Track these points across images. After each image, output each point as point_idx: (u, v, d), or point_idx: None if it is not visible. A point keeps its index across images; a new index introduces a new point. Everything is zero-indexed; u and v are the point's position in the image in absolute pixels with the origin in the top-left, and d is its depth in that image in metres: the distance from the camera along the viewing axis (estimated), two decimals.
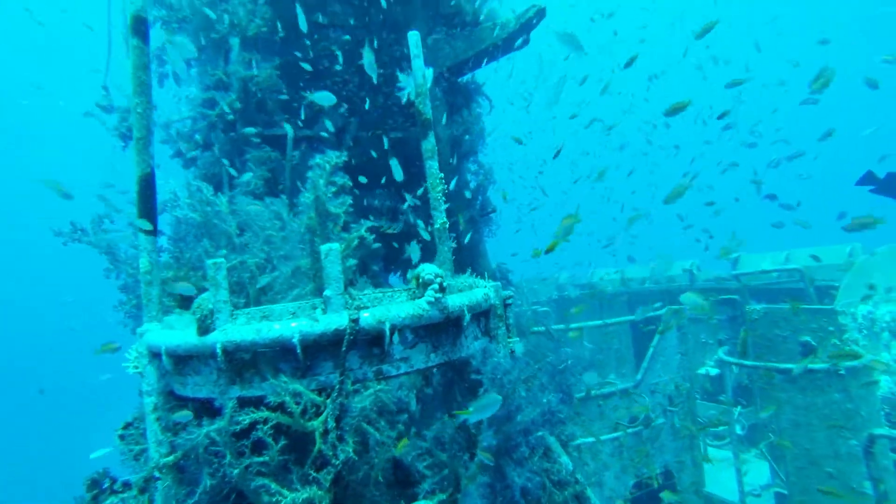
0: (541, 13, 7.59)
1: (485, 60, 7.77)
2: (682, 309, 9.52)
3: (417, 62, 4.83)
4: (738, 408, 10.54)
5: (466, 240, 7.32)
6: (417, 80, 4.79)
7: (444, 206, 4.65)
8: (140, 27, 3.79)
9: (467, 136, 7.35)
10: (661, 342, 9.58)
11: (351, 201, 4.21)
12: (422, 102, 4.74)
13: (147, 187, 3.75)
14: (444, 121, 7.33)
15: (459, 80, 7.84)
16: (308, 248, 3.94)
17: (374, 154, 7.00)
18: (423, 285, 3.27)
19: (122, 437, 3.80)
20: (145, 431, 3.63)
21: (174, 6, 7.21)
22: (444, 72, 7.61)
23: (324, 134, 6.83)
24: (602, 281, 14.89)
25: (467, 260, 7.24)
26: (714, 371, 11.22)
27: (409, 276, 3.52)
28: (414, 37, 4.90)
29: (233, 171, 6.50)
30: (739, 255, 11.16)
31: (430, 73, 5.09)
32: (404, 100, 5.74)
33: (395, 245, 6.87)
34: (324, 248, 3.04)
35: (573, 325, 10.91)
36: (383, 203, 6.81)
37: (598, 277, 15.23)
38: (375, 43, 7.21)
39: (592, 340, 10.69)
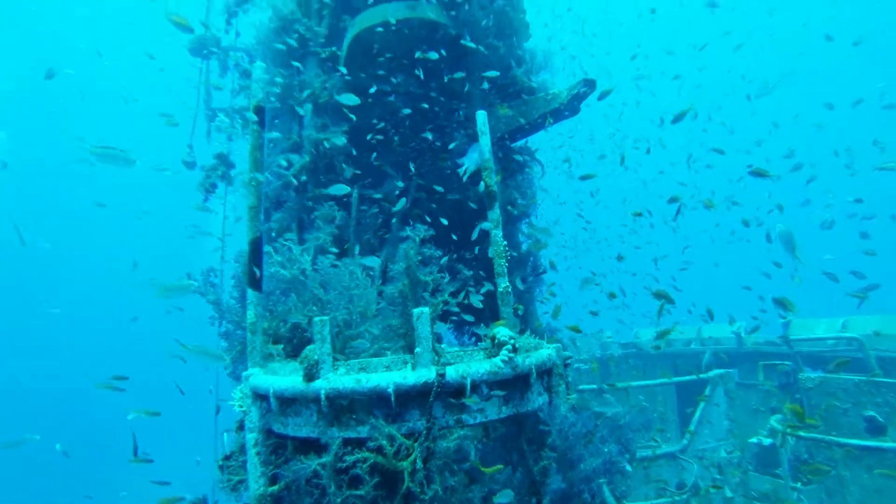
0: (590, 85, 8.41)
1: (537, 128, 8.60)
2: (730, 373, 9.78)
3: (485, 139, 5.65)
4: (798, 483, 10.50)
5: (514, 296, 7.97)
6: (485, 156, 5.59)
7: (506, 273, 5.34)
8: (259, 114, 4.70)
9: (520, 200, 8.09)
10: (709, 406, 9.85)
11: (437, 270, 4.95)
12: (488, 176, 5.52)
13: (256, 249, 4.57)
14: (498, 185, 8.12)
15: (513, 145, 8.66)
16: (399, 310, 4.66)
17: (434, 212, 7.79)
18: (498, 346, 3.93)
19: (221, 468, 4.47)
20: (244, 463, 4.31)
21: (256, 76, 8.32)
22: (499, 138, 8.46)
23: (377, 195, 7.68)
24: (646, 341, 15.20)
25: (520, 318, 7.87)
26: (767, 441, 11.28)
27: (485, 333, 4.19)
28: (482, 115, 5.74)
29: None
30: (791, 320, 11.37)
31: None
32: (464, 175, 6.52)
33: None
34: (416, 311, 3.75)
35: (619, 385, 11.27)
36: (431, 252, 7.54)
37: (642, 337, 15.55)
38: (436, 109, 8.13)
39: (636, 401, 11.00)
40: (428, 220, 7.88)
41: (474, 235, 6.16)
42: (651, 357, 14.47)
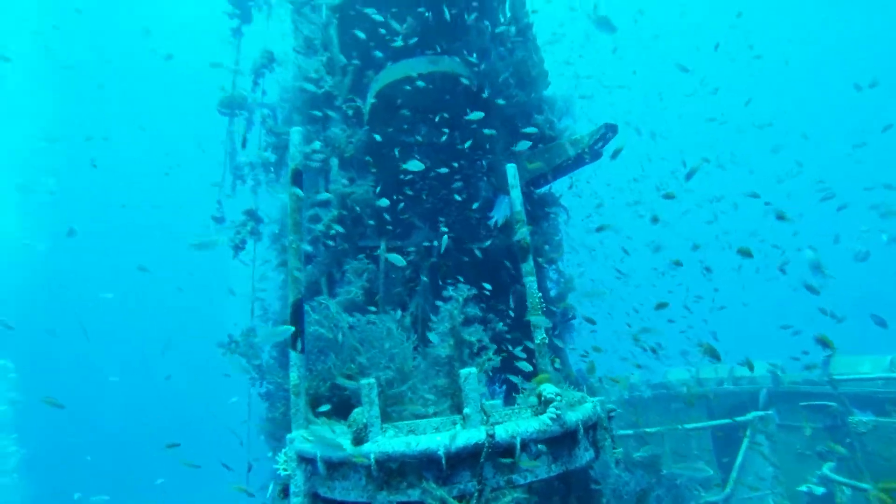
0: (613, 129, 8.58)
1: (560, 174, 8.74)
2: (770, 415, 9.49)
3: (515, 192, 5.78)
4: None
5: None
6: (516, 208, 5.71)
7: (543, 324, 5.37)
8: (297, 178, 4.87)
9: (547, 247, 8.17)
10: (750, 452, 9.59)
11: (483, 330, 5.01)
12: (521, 229, 5.62)
13: (297, 311, 4.66)
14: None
15: (537, 192, 8.79)
16: (445, 369, 4.71)
17: (463, 262, 7.88)
18: (545, 403, 3.94)
19: None
20: None
21: (284, 134, 8.63)
22: (524, 186, 8.61)
23: (411, 249, 7.79)
24: (677, 381, 14.93)
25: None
26: (819, 490, 10.77)
27: (525, 386, 4.20)
28: (512, 169, 5.88)
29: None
30: (831, 356, 10.97)
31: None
32: (494, 224, 6.64)
33: None
34: (463, 372, 3.80)
35: (649, 430, 11.07)
36: (474, 312, 7.58)
37: (672, 377, 15.27)
38: (462, 161, 8.33)
39: (669, 446, 10.75)
40: (456, 274, 8.00)
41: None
42: (682, 398, 14.20)
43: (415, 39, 8.06)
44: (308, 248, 7.78)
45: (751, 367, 11.47)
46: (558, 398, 3.91)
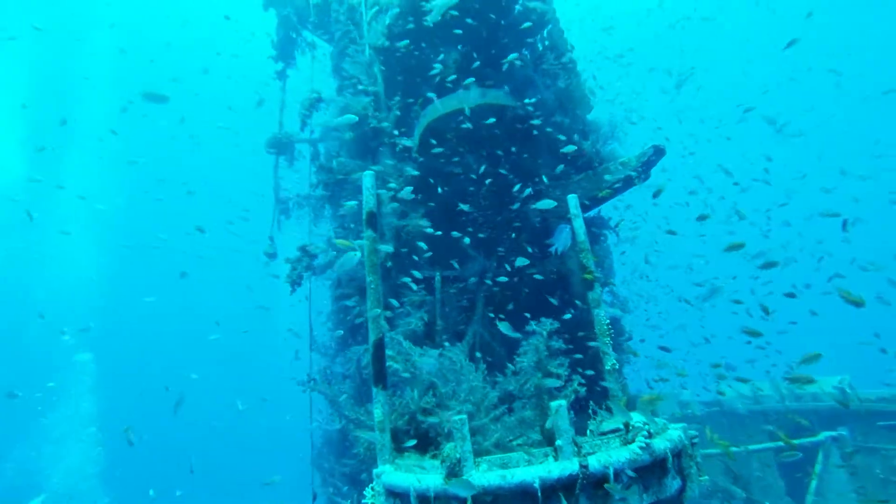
0: (659, 152, 8.71)
1: (609, 197, 8.89)
2: (843, 436, 9.22)
3: (578, 221, 5.95)
4: None
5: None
6: (580, 238, 5.88)
7: (612, 350, 5.49)
8: (372, 221, 5.13)
9: (598, 272, 8.28)
10: (826, 475, 9.32)
11: (567, 363, 5.17)
12: (585, 258, 5.78)
13: (379, 349, 4.88)
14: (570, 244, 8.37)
15: (586, 216, 8.95)
16: (533, 402, 4.86)
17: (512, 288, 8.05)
18: (633, 431, 4.06)
19: None
20: None
21: (334, 169, 8.97)
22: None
23: (461, 277, 8.00)
24: (731, 398, 14.68)
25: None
26: None
27: (596, 412, 4.32)
28: (573, 199, 6.07)
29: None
30: None
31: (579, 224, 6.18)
32: (554, 252, 6.82)
33: None
34: (554, 405, 3.95)
35: (705, 452, 10.92)
36: (558, 345, 7.71)
37: (727, 393, 15.02)
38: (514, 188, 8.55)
39: (726, 469, 10.56)
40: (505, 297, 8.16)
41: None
42: (739, 416, 13.98)
43: (453, 77, 8.34)
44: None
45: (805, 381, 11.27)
46: (646, 427, 4.03)
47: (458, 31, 8.27)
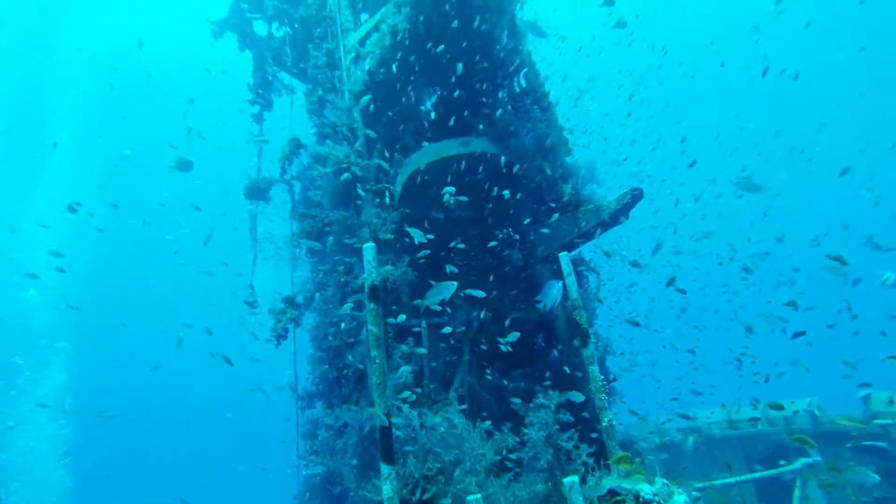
0: (637, 195, 9.06)
1: (589, 238, 9.18)
2: (818, 462, 9.56)
3: (570, 279, 6.17)
4: None
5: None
6: (572, 295, 6.09)
7: (608, 406, 5.70)
8: (374, 294, 5.23)
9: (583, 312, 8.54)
10: (804, 503, 9.68)
11: (577, 435, 5.33)
12: (578, 314, 6.00)
13: (386, 431, 4.95)
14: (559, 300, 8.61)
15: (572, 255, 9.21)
16: (545, 476, 5.00)
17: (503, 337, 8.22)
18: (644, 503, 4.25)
19: None
20: None
21: (318, 216, 9.01)
22: (554, 252, 9.03)
23: (447, 329, 8.13)
24: (707, 424, 15.05)
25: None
26: None
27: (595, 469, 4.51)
28: (565, 257, 6.29)
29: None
30: (870, 393, 10.78)
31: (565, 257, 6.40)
32: (542, 309, 7.03)
33: None
34: (567, 482, 4.11)
35: (697, 486, 11.22)
36: (517, 385, 7.88)
37: (702, 419, 15.42)
38: (498, 233, 8.76)
39: (709, 498, 10.85)
40: (497, 344, 8.32)
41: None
42: (716, 441, 14.41)
43: (434, 118, 8.53)
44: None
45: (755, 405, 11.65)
46: (656, 499, 4.23)
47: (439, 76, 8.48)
